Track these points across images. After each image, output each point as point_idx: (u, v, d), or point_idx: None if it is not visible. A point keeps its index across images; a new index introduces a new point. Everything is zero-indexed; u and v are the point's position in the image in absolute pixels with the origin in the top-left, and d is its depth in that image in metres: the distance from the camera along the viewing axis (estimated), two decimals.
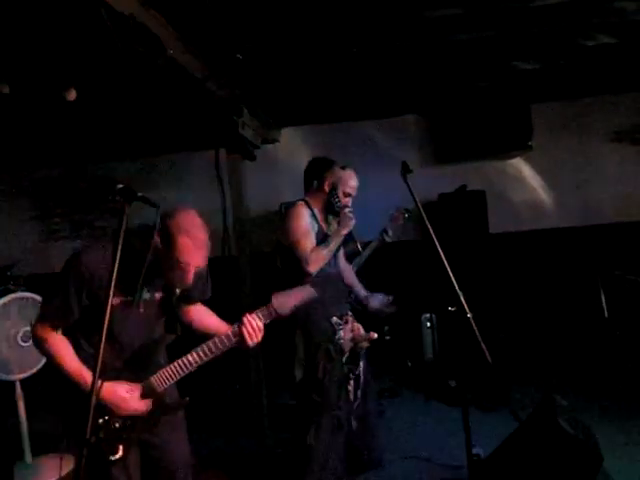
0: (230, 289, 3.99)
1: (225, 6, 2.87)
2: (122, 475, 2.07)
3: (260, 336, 2.20)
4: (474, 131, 5.32)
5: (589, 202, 5.49)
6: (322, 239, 3.10)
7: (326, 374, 3.02)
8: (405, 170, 2.61)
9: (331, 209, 3.19)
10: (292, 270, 3.05)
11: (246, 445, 4.06)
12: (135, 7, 2.42)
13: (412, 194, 2.63)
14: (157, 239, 1.98)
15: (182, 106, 3.95)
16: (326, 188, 3.15)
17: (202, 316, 2.43)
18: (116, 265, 1.73)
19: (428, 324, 5.30)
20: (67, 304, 2.01)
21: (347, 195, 3.26)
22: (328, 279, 3.14)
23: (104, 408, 1.97)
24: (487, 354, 2.40)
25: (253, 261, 4.39)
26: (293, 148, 5.78)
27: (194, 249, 2.00)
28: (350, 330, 3.23)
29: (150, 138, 5.49)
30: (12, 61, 3.17)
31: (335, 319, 3.15)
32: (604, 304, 5.09)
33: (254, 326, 2.18)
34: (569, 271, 5.40)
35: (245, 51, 3.38)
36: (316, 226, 3.11)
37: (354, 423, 3.26)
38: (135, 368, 2.14)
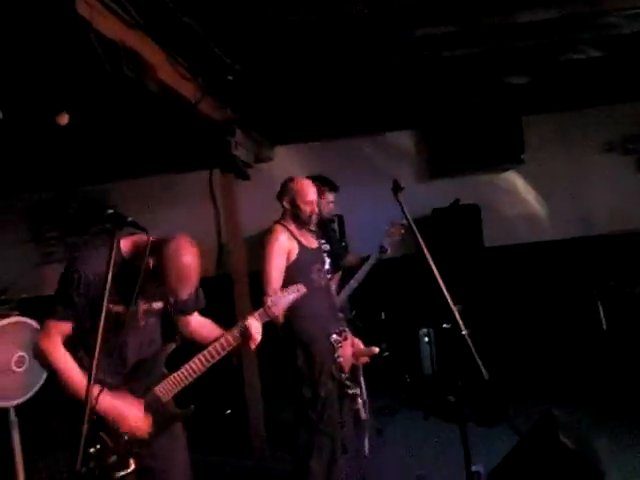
0: (225, 308, 3.98)
1: (215, 29, 2.90)
2: None
3: (260, 338, 2.30)
4: (467, 145, 5.36)
5: (583, 213, 5.52)
6: (308, 256, 3.11)
7: (328, 394, 3.00)
8: (396, 188, 2.61)
9: (303, 223, 3.17)
10: None
11: (244, 465, 4.02)
12: (125, 32, 2.43)
13: (403, 212, 2.63)
14: (150, 262, 1.99)
15: (174, 128, 3.97)
16: (287, 205, 3.15)
17: (201, 325, 2.46)
18: (108, 283, 1.72)
19: (426, 339, 5.27)
20: (69, 306, 2.03)
21: (309, 204, 3.17)
22: (321, 292, 3.14)
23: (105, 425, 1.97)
24: (483, 370, 2.37)
25: (251, 281, 4.37)
26: (287, 166, 5.78)
27: (183, 280, 2.05)
28: (350, 345, 3.20)
29: (143, 159, 5.50)
30: (4, 86, 3.19)
31: (335, 337, 3.10)
32: (602, 316, 5.08)
33: (257, 327, 2.28)
34: (565, 283, 5.40)
35: (236, 72, 3.39)
36: (296, 245, 3.09)
37: (367, 443, 3.24)
38: (138, 379, 2.15)
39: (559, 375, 5.01)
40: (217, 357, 2.24)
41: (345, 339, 3.17)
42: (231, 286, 4.26)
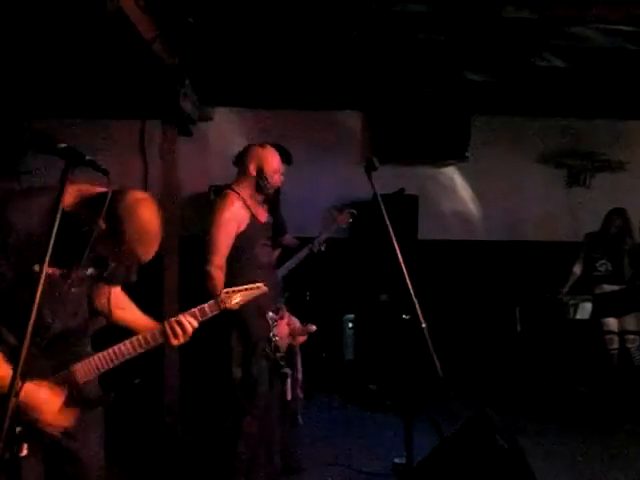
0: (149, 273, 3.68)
1: None
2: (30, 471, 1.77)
3: (187, 338, 2.01)
4: (413, 135, 5.33)
5: (513, 218, 5.67)
6: (256, 230, 2.94)
7: (260, 374, 2.86)
8: (370, 167, 2.46)
9: (263, 194, 3.00)
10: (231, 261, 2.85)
11: (154, 439, 3.77)
12: None
13: (375, 193, 2.48)
14: (102, 222, 1.67)
15: (119, 67, 3.55)
16: (252, 172, 2.93)
17: (119, 302, 2.13)
18: (52, 239, 1.42)
19: (350, 325, 5.23)
20: None
21: (276, 173, 3.01)
22: (264, 269, 2.97)
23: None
24: (438, 365, 2.31)
25: (182, 244, 4.07)
26: (227, 129, 5.48)
27: (147, 239, 1.75)
28: (287, 324, 3.08)
29: (69, 98, 4.95)
30: None
31: (271, 314, 2.94)
32: (518, 318, 5.28)
33: (187, 326, 1.98)
34: (489, 283, 5.53)
35: (199, 15, 3.07)
36: (247, 217, 2.90)
37: (300, 419, 3.12)
38: (56, 354, 1.82)
39: (475, 370, 5.14)
40: (146, 347, 1.96)
41: (282, 318, 3.04)
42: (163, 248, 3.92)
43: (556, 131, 5.66)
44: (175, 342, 1.98)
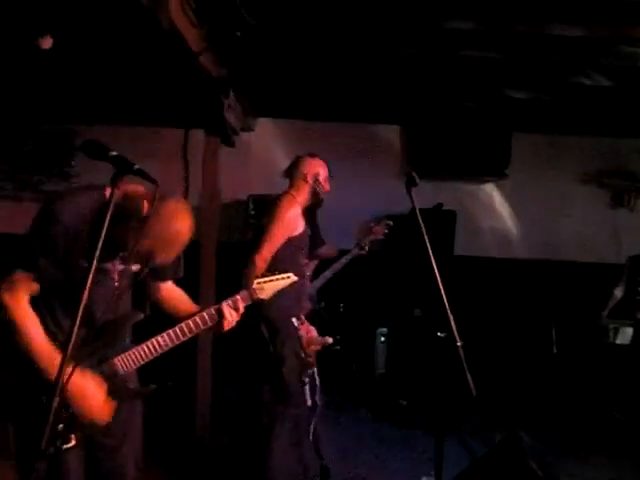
0: (188, 276, 3.75)
1: None
2: (76, 467, 1.86)
3: (236, 322, 2.10)
4: (453, 150, 5.30)
5: (552, 237, 5.57)
6: (304, 239, 3.06)
7: (292, 371, 2.92)
8: (410, 182, 2.47)
9: (317, 202, 3.19)
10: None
11: (183, 442, 3.82)
12: None
13: (414, 208, 2.48)
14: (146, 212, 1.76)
15: (166, 77, 3.66)
16: (309, 181, 3.09)
17: (171, 295, 2.23)
18: (102, 237, 1.48)
19: (382, 338, 5.20)
20: (39, 256, 1.76)
21: (326, 183, 3.19)
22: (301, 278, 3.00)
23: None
24: (472, 386, 2.27)
25: (220, 250, 4.14)
26: (268, 140, 5.56)
27: (169, 245, 1.85)
28: (305, 331, 3.12)
29: (116, 105, 5.11)
30: None
31: (294, 319, 3.04)
32: (554, 339, 5.17)
33: (232, 312, 2.07)
34: (526, 303, 5.43)
35: (247, 29, 3.13)
36: (301, 225, 3.04)
37: (312, 428, 3.13)
38: (98, 346, 1.90)
39: (508, 391, 5.04)
40: (189, 335, 2.02)
41: (302, 323, 3.13)
42: (197, 253, 4.00)
43: (600, 150, 5.54)
44: (227, 325, 2.06)
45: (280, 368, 2.91)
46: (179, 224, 1.83)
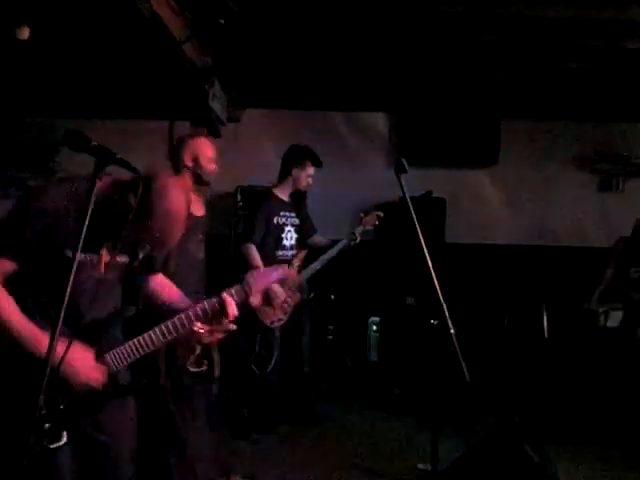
0: None
1: None
2: (68, 464, 1.81)
3: (237, 314, 1.97)
4: (442, 138, 5.28)
5: (543, 223, 5.57)
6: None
7: None
8: (399, 168, 2.42)
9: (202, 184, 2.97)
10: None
11: None
12: None
13: (404, 195, 2.44)
14: (133, 200, 1.69)
15: (150, 68, 3.59)
16: (188, 163, 2.88)
17: (162, 287, 2.15)
18: (85, 226, 1.45)
19: (375, 327, 5.20)
20: (14, 240, 1.70)
21: (212, 162, 2.96)
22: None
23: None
24: (466, 373, 2.26)
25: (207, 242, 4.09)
26: (255, 130, 5.50)
27: (172, 224, 1.74)
28: None
29: (101, 99, 5.03)
30: None
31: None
32: (545, 325, 5.17)
33: (234, 308, 1.96)
34: (516, 288, 5.44)
35: (231, 16, 3.08)
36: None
37: None
38: (87, 340, 1.83)
39: (500, 377, 5.05)
40: (179, 334, 1.94)
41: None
42: None
43: (587, 135, 5.53)
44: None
45: None
46: (176, 195, 1.74)
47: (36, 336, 1.67)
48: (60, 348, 1.59)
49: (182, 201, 1.77)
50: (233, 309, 1.96)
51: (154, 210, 1.70)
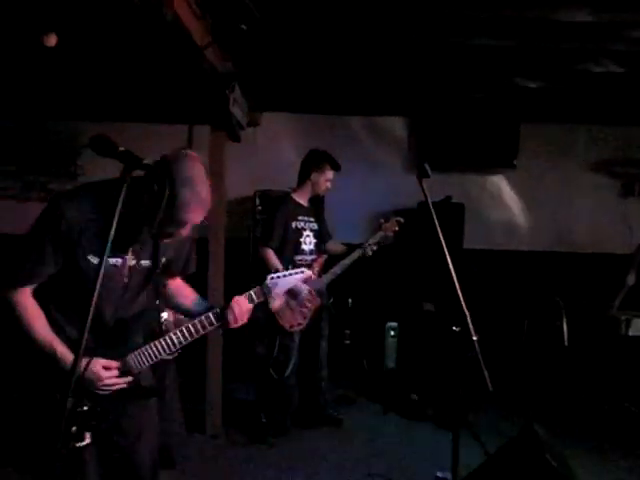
0: (199, 271, 3.73)
1: None
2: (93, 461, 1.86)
3: (246, 318, 2.04)
4: (461, 142, 5.25)
5: (562, 228, 5.51)
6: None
7: None
8: (422, 173, 2.42)
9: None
10: None
11: (195, 439, 3.80)
12: None
13: (427, 200, 2.43)
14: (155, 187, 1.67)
15: (171, 73, 3.62)
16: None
17: (182, 293, 2.18)
18: (111, 235, 1.47)
19: (392, 333, 5.18)
20: (42, 258, 1.74)
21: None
22: None
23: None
24: (489, 382, 2.23)
25: (227, 246, 4.11)
26: (274, 134, 5.52)
27: (196, 205, 1.73)
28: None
29: (121, 103, 5.09)
30: None
31: None
32: (565, 332, 5.10)
33: (242, 309, 2.01)
34: (536, 295, 5.38)
35: (252, 21, 3.09)
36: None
37: None
38: (110, 344, 1.88)
39: (520, 385, 5.00)
40: (198, 335, 2.00)
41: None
42: (205, 249, 3.96)
43: (609, 139, 5.47)
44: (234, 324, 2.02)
45: None
46: (193, 166, 1.76)
47: (56, 351, 1.73)
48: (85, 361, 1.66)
49: (200, 171, 1.76)
50: (244, 310, 2.01)
51: (173, 196, 1.67)
